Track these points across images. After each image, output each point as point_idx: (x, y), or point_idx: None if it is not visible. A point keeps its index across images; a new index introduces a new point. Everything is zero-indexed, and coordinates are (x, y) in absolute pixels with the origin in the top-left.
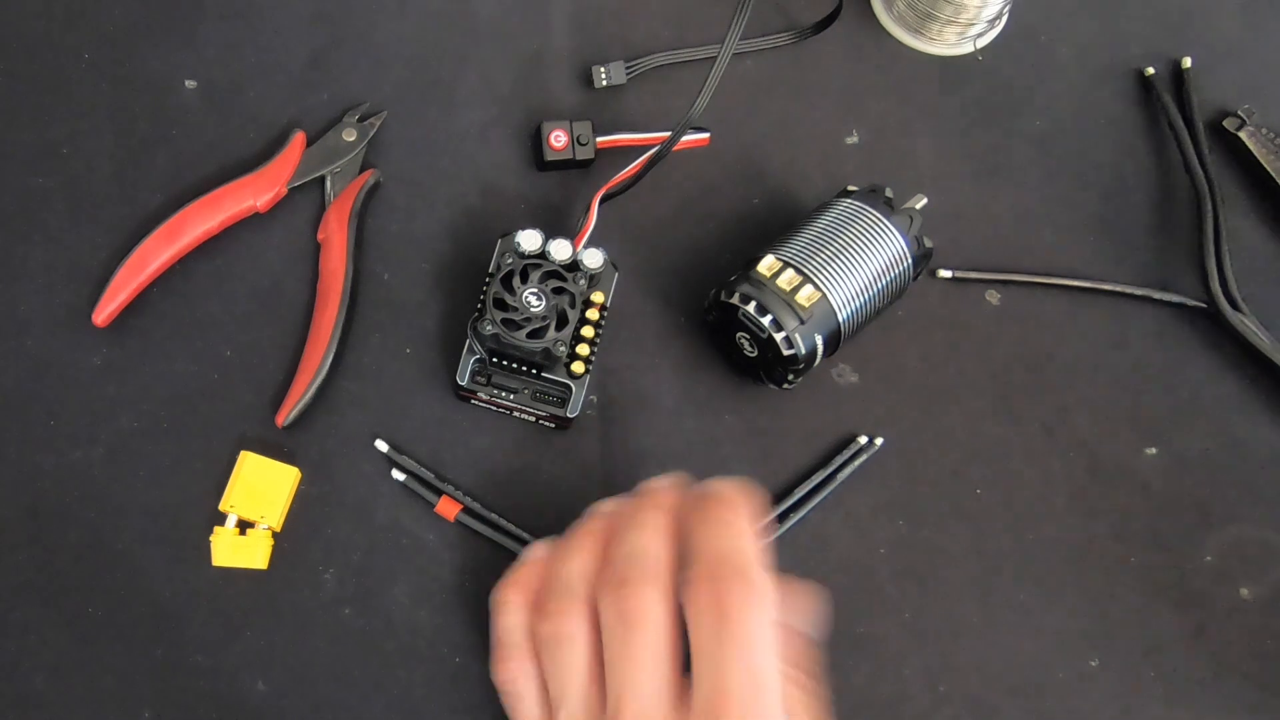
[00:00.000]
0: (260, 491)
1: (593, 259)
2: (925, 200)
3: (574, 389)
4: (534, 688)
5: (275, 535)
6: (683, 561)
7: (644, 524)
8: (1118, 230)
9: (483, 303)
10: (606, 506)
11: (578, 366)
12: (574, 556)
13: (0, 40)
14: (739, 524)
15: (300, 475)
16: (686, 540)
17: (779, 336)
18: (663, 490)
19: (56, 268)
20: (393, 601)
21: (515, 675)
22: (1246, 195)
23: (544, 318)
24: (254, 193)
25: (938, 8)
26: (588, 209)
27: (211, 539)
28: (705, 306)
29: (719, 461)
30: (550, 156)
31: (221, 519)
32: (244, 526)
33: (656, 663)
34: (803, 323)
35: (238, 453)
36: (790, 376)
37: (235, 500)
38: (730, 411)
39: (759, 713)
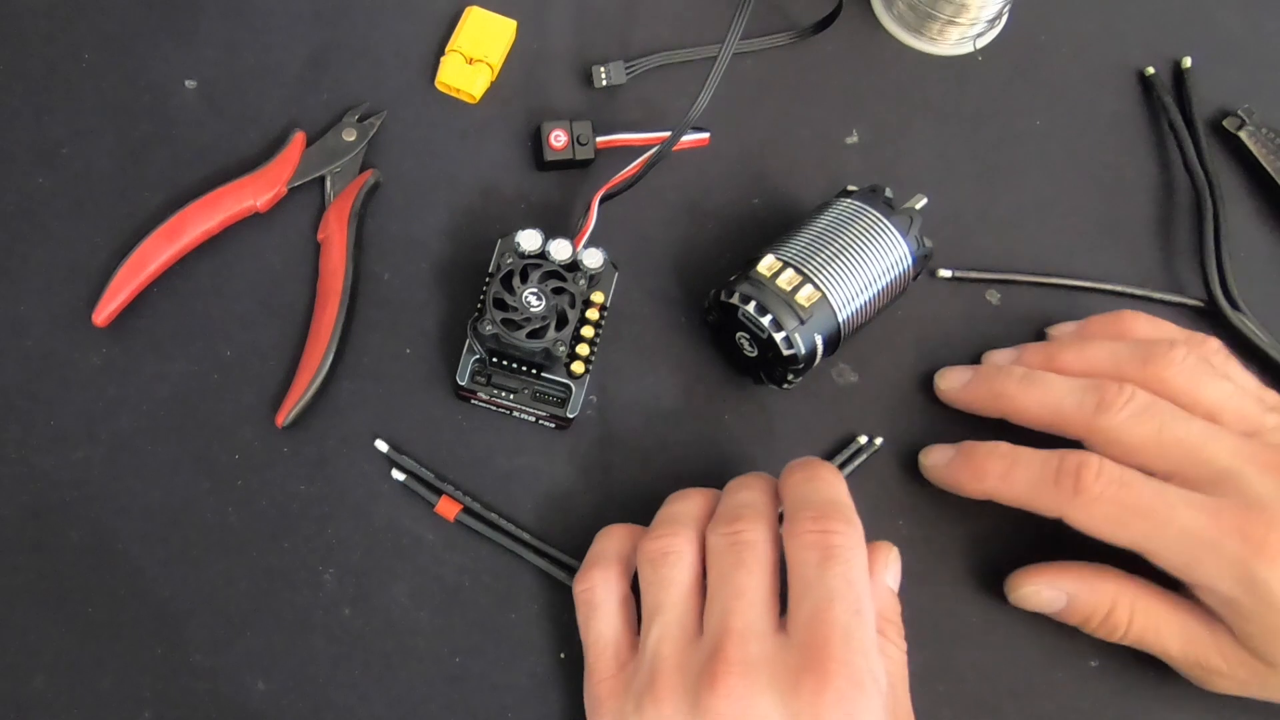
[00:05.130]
0: (483, 38)
1: (593, 259)
2: (925, 200)
3: (574, 389)
4: (614, 600)
5: (491, 82)
6: (788, 514)
7: (750, 484)
8: (1117, 230)
9: (483, 303)
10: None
11: (578, 366)
12: (686, 500)
13: (0, 40)
14: (838, 483)
15: (517, 27)
16: (789, 498)
17: (779, 336)
18: (759, 474)
19: (56, 268)
20: (393, 601)
21: (596, 584)
22: (1246, 195)
23: (544, 318)
24: (254, 193)
25: (938, 8)
26: (588, 209)
27: (441, 60)
28: (705, 306)
29: (719, 461)
30: (550, 156)
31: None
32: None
33: (762, 584)
34: (803, 323)
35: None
36: (790, 376)
37: (461, 43)
38: (730, 411)
39: (856, 636)
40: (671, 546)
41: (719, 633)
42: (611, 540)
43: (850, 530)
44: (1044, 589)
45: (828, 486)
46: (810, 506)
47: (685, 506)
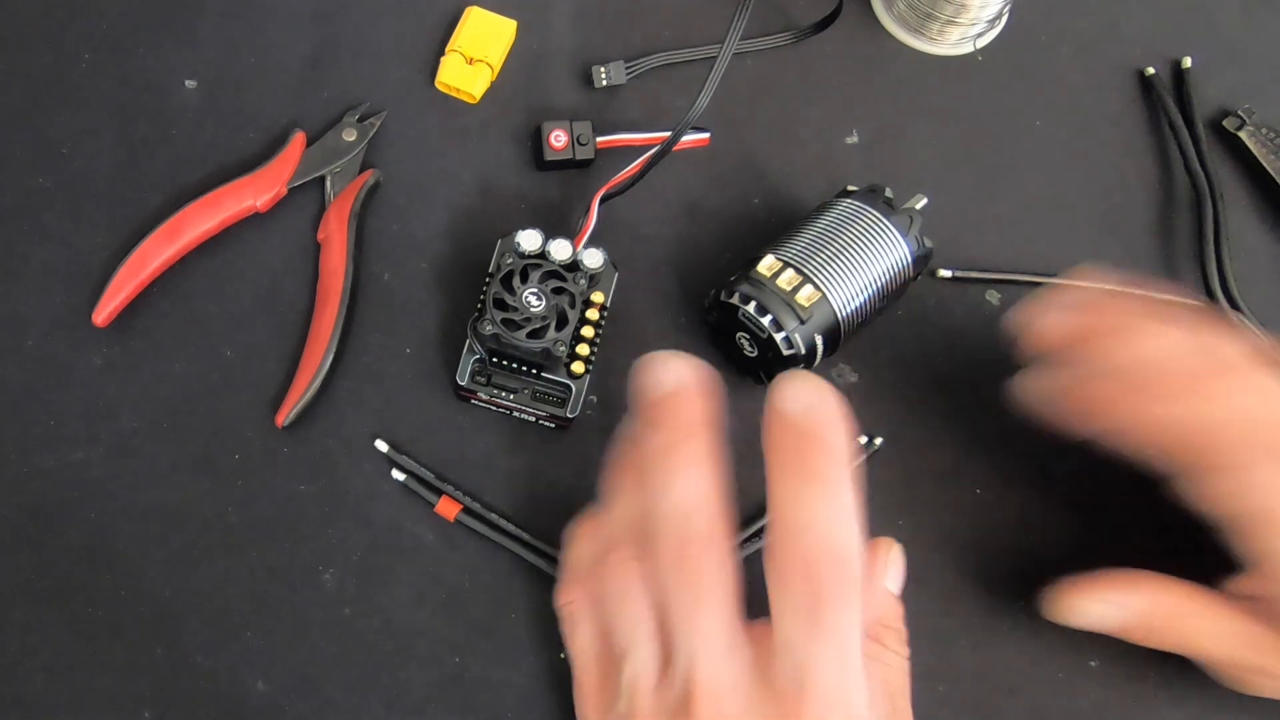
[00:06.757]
0: (483, 38)
1: (593, 259)
2: (925, 200)
3: (574, 389)
4: (593, 616)
5: (491, 82)
6: (772, 530)
7: (684, 464)
8: (1118, 230)
9: (483, 303)
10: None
11: (578, 366)
12: (618, 505)
13: (0, 40)
14: (842, 494)
15: (518, 27)
16: (775, 505)
17: (779, 336)
18: (684, 398)
19: (56, 268)
20: (393, 601)
21: (576, 599)
22: (1246, 195)
23: (544, 318)
24: (254, 193)
25: (938, 8)
26: (588, 209)
27: (441, 60)
28: (705, 306)
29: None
30: (550, 156)
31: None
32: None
33: (722, 616)
34: (803, 323)
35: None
36: None
37: (461, 43)
38: (730, 411)
39: (844, 713)
40: (621, 589)
41: (686, 682)
42: (583, 547)
43: (844, 583)
44: (1086, 602)
45: (821, 499)
46: (799, 539)
47: (621, 515)
